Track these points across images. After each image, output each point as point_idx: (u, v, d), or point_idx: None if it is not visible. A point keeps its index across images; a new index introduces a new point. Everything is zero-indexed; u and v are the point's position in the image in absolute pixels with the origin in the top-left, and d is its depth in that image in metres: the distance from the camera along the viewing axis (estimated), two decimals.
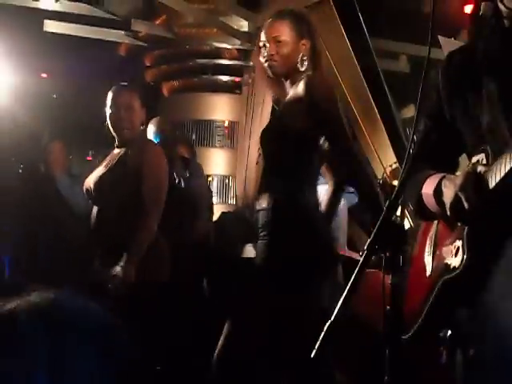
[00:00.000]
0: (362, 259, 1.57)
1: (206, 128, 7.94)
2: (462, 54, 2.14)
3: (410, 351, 2.14)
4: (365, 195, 3.56)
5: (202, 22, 7.86)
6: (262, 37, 3.45)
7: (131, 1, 7.33)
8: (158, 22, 7.92)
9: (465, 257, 1.89)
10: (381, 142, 6.83)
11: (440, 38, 6.27)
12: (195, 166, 5.71)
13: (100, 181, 4.17)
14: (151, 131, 5.67)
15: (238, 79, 7.74)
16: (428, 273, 2.09)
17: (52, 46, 7.11)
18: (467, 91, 2.01)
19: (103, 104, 4.17)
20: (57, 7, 7.10)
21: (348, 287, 1.54)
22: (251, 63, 7.40)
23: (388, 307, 1.61)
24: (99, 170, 4.25)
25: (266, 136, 3.55)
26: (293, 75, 3.43)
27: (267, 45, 3.41)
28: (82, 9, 7.20)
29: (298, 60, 3.41)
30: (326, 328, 1.51)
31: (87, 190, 4.24)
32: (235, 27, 7.72)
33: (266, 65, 3.43)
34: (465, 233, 1.91)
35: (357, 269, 1.56)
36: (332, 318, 1.52)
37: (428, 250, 2.14)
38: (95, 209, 4.20)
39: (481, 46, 2.03)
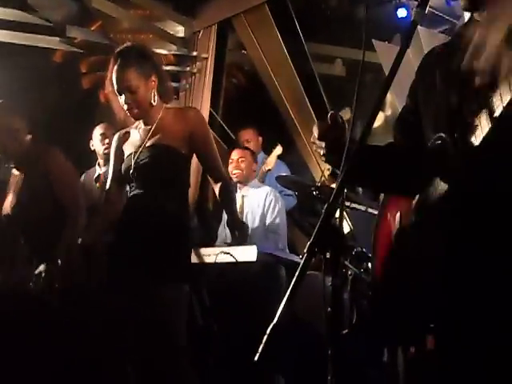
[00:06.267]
0: (302, 262, 1.58)
1: None
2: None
3: None
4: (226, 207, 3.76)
5: (137, 27, 7.82)
6: (115, 85, 3.57)
7: (66, 7, 7.22)
8: (93, 28, 7.84)
9: None
10: None
11: (374, 41, 6.37)
12: None
13: (15, 207, 4.26)
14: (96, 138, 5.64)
15: (175, 85, 7.72)
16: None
17: None
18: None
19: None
20: None
21: (289, 289, 1.55)
22: (188, 68, 7.40)
23: (329, 308, 1.63)
24: (11, 197, 4.29)
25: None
26: (148, 111, 3.62)
27: (122, 94, 3.55)
28: (16, 15, 7.08)
29: (152, 97, 3.61)
30: (268, 330, 1.52)
31: (6, 216, 4.28)
32: (171, 33, 7.69)
33: (126, 112, 3.60)
34: None
35: (297, 272, 1.57)
36: (275, 321, 1.53)
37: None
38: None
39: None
